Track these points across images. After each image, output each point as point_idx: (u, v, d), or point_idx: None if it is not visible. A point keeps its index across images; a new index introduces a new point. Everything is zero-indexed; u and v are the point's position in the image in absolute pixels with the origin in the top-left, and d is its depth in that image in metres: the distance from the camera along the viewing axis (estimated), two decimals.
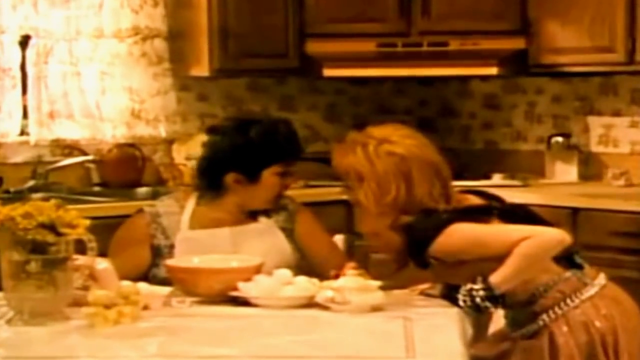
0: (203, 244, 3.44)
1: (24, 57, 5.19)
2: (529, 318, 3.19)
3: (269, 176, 3.49)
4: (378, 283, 3.02)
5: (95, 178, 5.33)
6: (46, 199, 4.79)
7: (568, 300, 3.17)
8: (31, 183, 5.09)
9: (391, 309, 2.99)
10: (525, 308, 3.18)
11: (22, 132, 5.18)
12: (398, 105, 6.26)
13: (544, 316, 3.17)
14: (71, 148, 5.32)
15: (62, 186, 5.13)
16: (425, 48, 5.47)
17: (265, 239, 3.50)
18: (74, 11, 5.30)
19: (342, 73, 5.68)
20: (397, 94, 6.26)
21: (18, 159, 5.18)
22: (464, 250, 3.11)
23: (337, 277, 3.07)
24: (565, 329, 3.14)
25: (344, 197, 3.37)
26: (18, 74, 5.17)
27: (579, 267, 3.25)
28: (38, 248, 2.82)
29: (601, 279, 3.24)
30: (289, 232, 3.56)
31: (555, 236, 3.14)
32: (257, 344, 2.65)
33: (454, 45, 5.44)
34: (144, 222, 3.54)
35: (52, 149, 5.27)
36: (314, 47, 5.55)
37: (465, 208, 3.23)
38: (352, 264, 3.20)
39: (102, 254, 3.19)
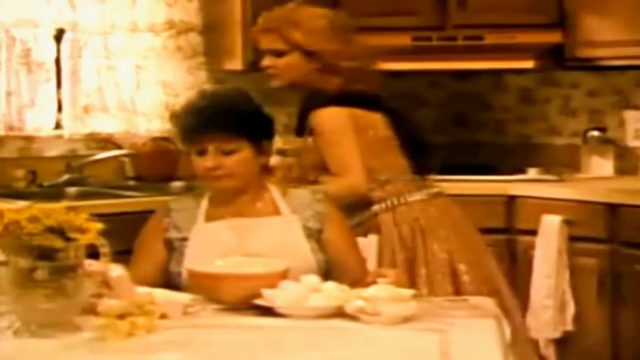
0: (215, 236, 3.04)
1: (58, 51, 4.88)
2: (363, 206, 3.56)
3: (192, 156, 3.06)
4: (411, 292, 2.62)
5: (130, 172, 5.00)
6: (80, 193, 4.58)
7: (401, 198, 3.62)
8: (65, 177, 4.78)
9: (424, 319, 2.58)
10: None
11: (57, 126, 4.87)
12: (432, 99, 5.88)
13: (376, 207, 3.60)
14: (105, 142, 5.00)
15: (97, 180, 4.81)
16: (460, 42, 5.10)
17: (279, 234, 3.04)
18: (108, 5, 5.00)
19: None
20: (431, 88, 5.87)
21: (52, 152, 4.87)
22: (320, 138, 3.56)
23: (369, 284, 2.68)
24: (391, 220, 3.58)
25: None
26: (53, 68, 4.87)
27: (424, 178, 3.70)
28: (45, 254, 2.44)
29: (436, 189, 3.71)
30: (313, 232, 3.08)
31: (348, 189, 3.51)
32: None
33: (490, 39, 5.06)
34: (157, 218, 3.16)
35: (87, 142, 4.96)
36: None
37: (356, 92, 3.63)
38: (386, 272, 2.81)
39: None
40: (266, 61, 3.72)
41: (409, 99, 5.83)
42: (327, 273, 2.96)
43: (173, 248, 3.07)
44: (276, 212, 3.10)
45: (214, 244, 2.99)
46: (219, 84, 5.23)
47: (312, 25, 3.66)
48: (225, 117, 3.00)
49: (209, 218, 3.09)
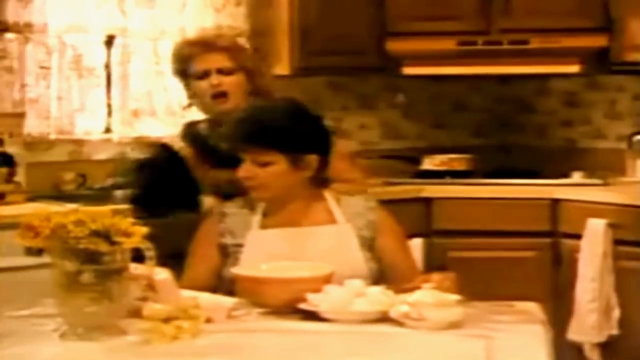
0: (271, 243, 2.97)
1: (108, 57, 4.84)
2: None
3: None
4: (457, 297, 2.55)
5: None
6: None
7: None
8: (114, 180, 4.72)
9: (470, 325, 2.50)
10: None
11: (106, 130, 4.84)
12: (476, 103, 5.79)
13: None
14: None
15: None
16: (505, 46, 5.00)
17: (333, 243, 2.96)
18: (158, 11, 4.95)
19: (422, 71, 5.26)
20: (475, 92, 5.78)
21: (102, 156, 4.83)
22: None
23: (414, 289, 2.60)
24: None
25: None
26: (102, 73, 4.84)
27: None
28: (91, 258, 2.39)
29: None
30: (366, 241, 3.00)
31: None
32: None
33: (535, 43, 4.96)
34: (211, 222, 3.09)
35: (135, 146, 4.90)
36: (394, 46, 5.11)
37: None
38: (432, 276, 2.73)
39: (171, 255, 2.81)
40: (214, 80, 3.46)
41: (452, 102, 5.76)
42: (379, 282, 2.87)
43: (227, 254, 3.00)
44: (331, 220, 3.03)
45: (268, 252, 2.92)
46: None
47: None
48: (259, 131, 2.95)
49: (264, 225, 3.02)
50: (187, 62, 3.46)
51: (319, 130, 3.04)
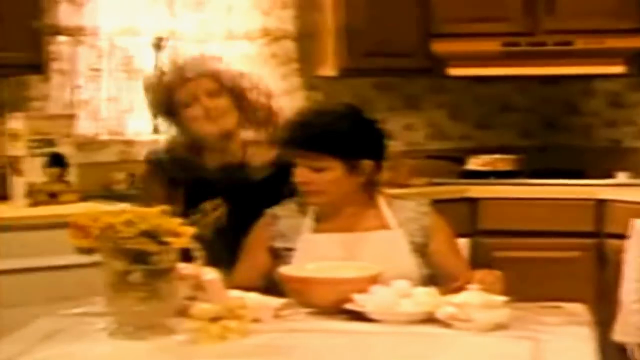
0: (322, 248, 2.91)
1: (157, 58, 4.82)
2: None
3: None
4: (503, 298, 2.49)
5: None
6: None
7: None
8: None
9: (517, 327, 2.44)
10: None
11: (155, 131, 4.81)
12: (521, 104, 5.71)
13: None
14: None
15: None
16: (549, 47, 4.92)
17: (385, 249, 2.89)
18: (206, 14, 4.94)
19: (467, 72, 5.20)
20: (520, 92, 5.70)
21: None
22: None
23: (459, 289, 2.55)
24: None
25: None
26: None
27: None
28: (140, 258, 2.36)
29: None
30: (418, 247, 2.92)
31: None
32: None
33: (579, 44, 4.88)
34: (264, 225, 3.02)
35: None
36: (440, 47, 5.05)
37: None
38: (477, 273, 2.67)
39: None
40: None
41: (497, 103, 5.69)
42: (429, 286, 2.80)
43: (279, 256, 2.94)
44: (384, 225, 2.95)
45: (320, 256, 2.85)
46: (312, 90, 5.16)
47: None
48: (315, 136, 2.88)
49: (316, 229, 2.96)
50: (170, 93, 3.17)
51: (375, 135, 2.97)
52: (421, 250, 2.92)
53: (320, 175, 2.88)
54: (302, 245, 2.94)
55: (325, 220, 2.97)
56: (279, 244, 2.98)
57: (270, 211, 3.05)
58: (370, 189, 2.98)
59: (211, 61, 3.28)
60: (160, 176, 3.23)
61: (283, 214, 3.01)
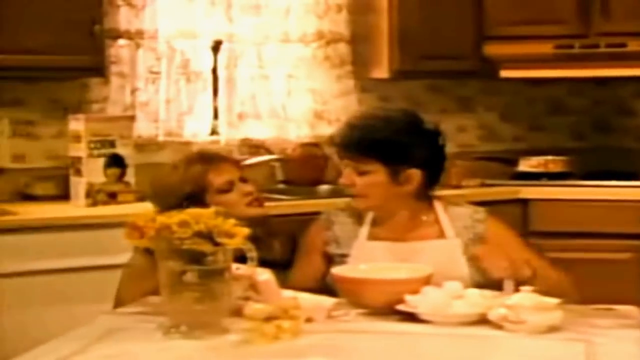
0: (376, 256, 2.86)
1: (215, 61, 4.81)
2: None
3: None
4: (556, 301, 2.43)
5: (280, 176, 4.89)
6: None
7: None
8: None
9: (570, 329, 2.39)
10: None
11: (213, 132, 4.81)
12: (573, 105, 5.62)
13: None
14: (258, 147, 4.91)
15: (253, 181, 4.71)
16: (602, 49, 4.83)
17: (440, 258, 2.81)
18: (263, 18, 4.92)
19: (520, 74, 5.12)
20: (572, 94, 5.61)
21: None
22: None
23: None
24: None
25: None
26: (209, 77, 4.81)
27: None
28: (195, 258, 2.35)
29: None
30: (472, 256, 2.84)
31: None
32: None
33: (633, 46, 4.77)
34: (319, 229, 3.00)
35: (241, 148, 4.88)
36: (492, 49, 4.98)
37: None
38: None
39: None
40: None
41: (549, 105, 5.61)
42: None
43: (333, 262, 2.90)
44: (439, 235, 2.90)
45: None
46: (366, 92, 5.12)
47: None
48: (361, 138, 2.85)
49: (371, 236, 2.92)
50: (200, 180, 2.97)
51: (427, 146, 2.89)
52: (473, 260, 2.84)
53: (362, 179, 2.84)
54: (356, 252, 2.90)
55: (380, 227, 2.93)
56: (333, 250, 2.95)
57: (325, 215, 3.02)
58: (425, 197, 2.92)
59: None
60: None
61: (338, 219, 2.98)
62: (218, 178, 2.96)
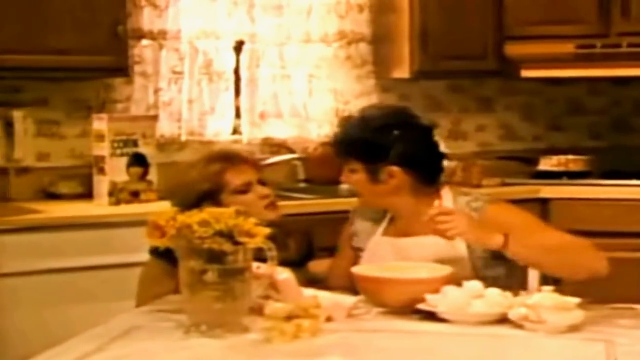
0: (381, 251, 2.87)
1: (237, 61, 4.78)
2: None
3: None
4: (576, 300, 2.39)
5: (301, 175, 4.87)
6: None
7: None
8: None
9: (590, 329, 2.35)
10: None
11: (234, 131, 4.79)
12: (592, 105, 5.57)
13: None
14: (279, 146, 4.89)
15: (271, 182, 4.66)
16: (624, 49, 4.77)
17: (438, 253, 2.74)
18: (285, 18, 4.90)
19: (540, 74, 5.07)
20: (591, 94, 5.56)
21: None
22: None
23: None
24: None
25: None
26: (231, 77, 4.78)
27: None
28: (215, 257, 2.32)
29: None
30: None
31: None
32: None
33: None
34: (347, 224, 3.05)
35: (262, 147, 4.86)
36: (512, 49, 4.94)
37: None
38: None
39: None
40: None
41: (569, 104, 5.56)
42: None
43: (357, 255, 2.94)
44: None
45: (378, 260, 2.82)
46: (386, 92, 5.09)
47: None
48: (340, 140, 2.90)
49: (384, 233, 2.94)
50: (218, 178, 2.91)
51: (406, 143, 2.82)
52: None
53: (351, 178, 2.88)
54: (370, 247, 2.93)
55: (392, 224, 2.94)
56: (355, 244, 2.99)
57: (353, 210, 3.05)
58: (425, 192, 2.86)
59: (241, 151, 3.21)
60: None
61: (361, 214, 3.01)
62: (236, 178, 2.92)
